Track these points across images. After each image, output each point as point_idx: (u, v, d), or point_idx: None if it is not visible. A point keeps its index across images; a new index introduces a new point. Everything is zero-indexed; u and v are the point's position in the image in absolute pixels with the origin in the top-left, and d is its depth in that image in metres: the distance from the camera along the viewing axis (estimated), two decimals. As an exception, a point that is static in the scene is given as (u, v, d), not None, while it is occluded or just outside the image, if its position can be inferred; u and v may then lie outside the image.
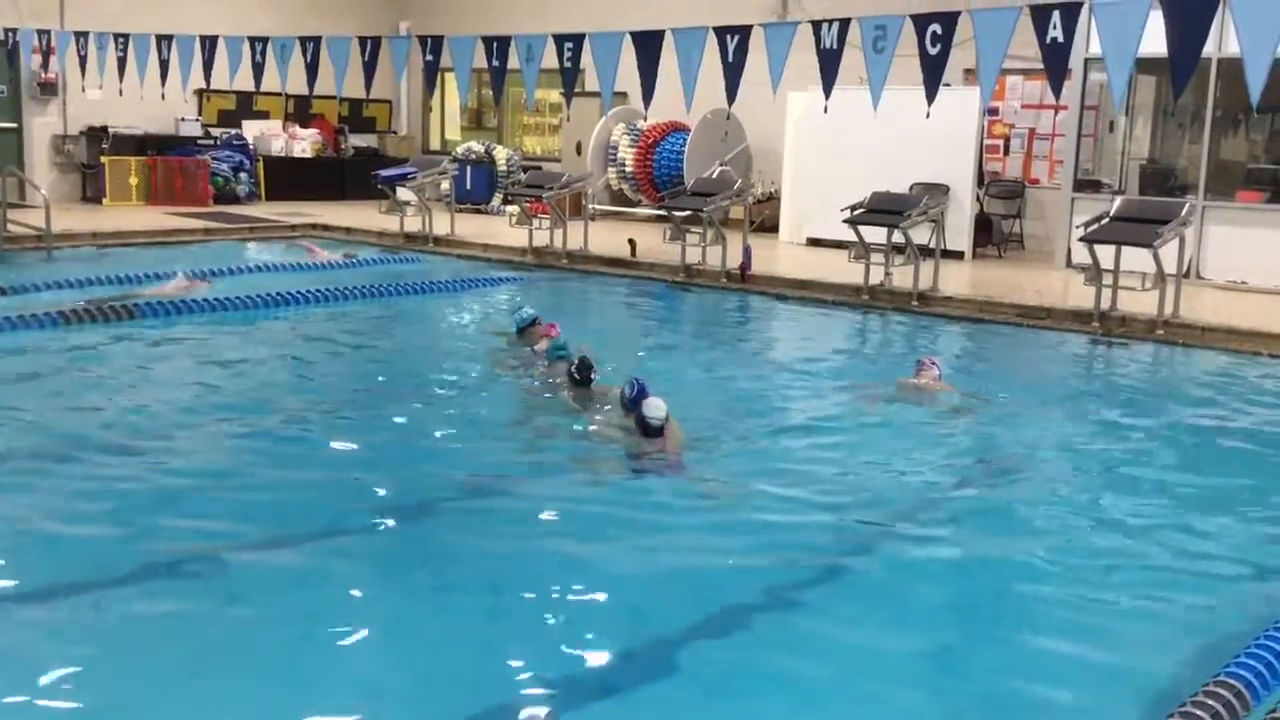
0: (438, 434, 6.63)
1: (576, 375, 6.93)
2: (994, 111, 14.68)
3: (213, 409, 6.91)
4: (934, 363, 7.75)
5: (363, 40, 12.34)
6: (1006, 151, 14.98)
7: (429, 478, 5.83)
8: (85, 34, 13.77)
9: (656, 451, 6.01)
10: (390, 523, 5.21)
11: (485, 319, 10.56)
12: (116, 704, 3.61)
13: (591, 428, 6.58)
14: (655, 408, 6.04)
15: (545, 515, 5.34)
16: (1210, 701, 3.49)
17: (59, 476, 5.64)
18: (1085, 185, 13.29)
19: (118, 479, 5.60)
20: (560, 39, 10.86)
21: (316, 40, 12.49)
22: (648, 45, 10.24)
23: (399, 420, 6.92)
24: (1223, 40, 10.57)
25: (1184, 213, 10.19)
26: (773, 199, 15.80)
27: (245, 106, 18.65)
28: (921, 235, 11.50)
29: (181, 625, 4.13)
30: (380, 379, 8.11)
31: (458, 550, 4.97)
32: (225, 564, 4.64)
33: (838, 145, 13.74)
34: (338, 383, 7.93)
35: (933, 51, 8.72)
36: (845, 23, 9.23)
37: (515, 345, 8.44)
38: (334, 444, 6.39)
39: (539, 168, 16.91)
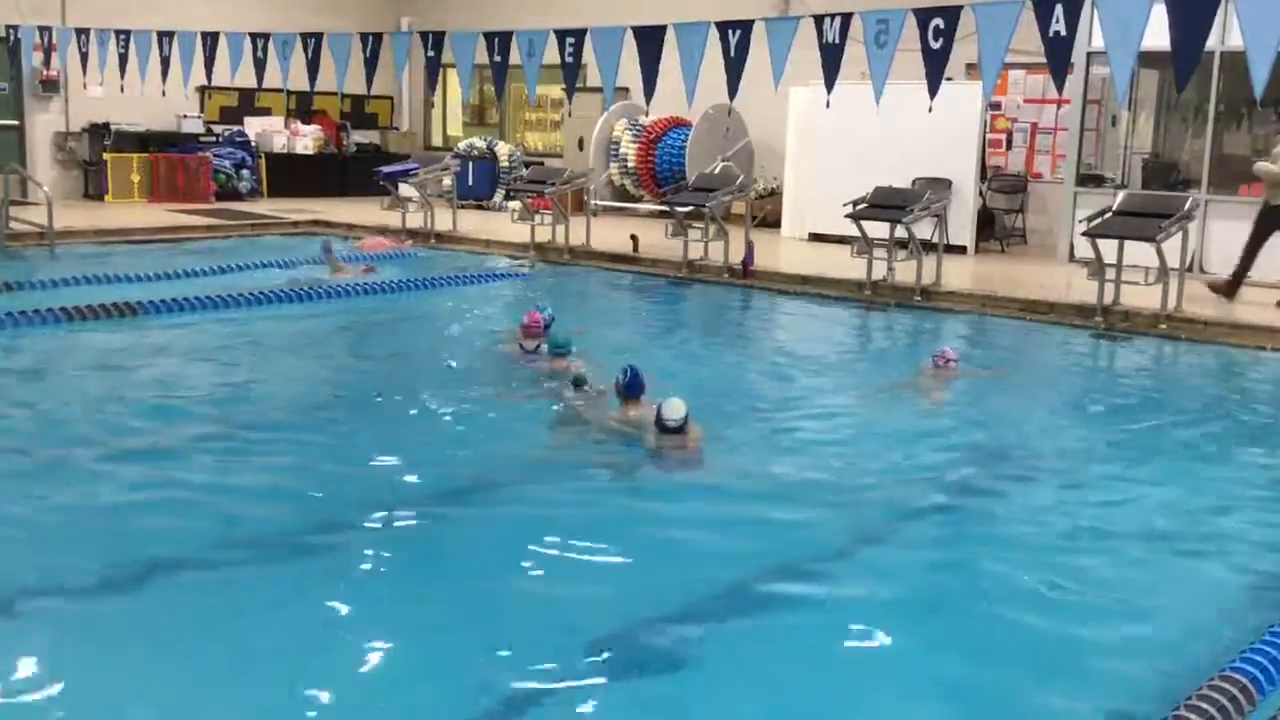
0: (440, 432, 6.63)
1: (573, 382, 6.96)
2: (996, 106, 14.65)
3: (213, 407, 6.91)
4: (953, 351, 7.82)
5: (364, 36, 12.32)
6: (1009, 146, 14.96)
7: (432, 474, 5.82)
8: (86, 31, 13.76)
9: (673, 446, 5.99)
10: (394, 520, 5.18)
11: (491, 315, 10.56)
12: (113, 704, 3.62)
13: (595, 425, 6.57)
14: (674, 408, 5.98)
15: (549, 511, 5.33)
16: (1215, 695, 3.49)
17: (58, 474, 5.64)
18: (1088, 180, 13.28)
19: (116, 477, 5.62)
20: (562, 34, 10.84)
21: (318, 37, 12.48)
22: (649, 40, 10.23)
23: (400, 418, 6.90)
24: (1226, 34, 10.54)
25: (1187, 207, 10.17)
26: (775, 194, 15.79)
27: (247, 103, 18.65)
28: (924, 230, 11.48)
29: (175, 624, 4.13)
30: (384, 376, 8.11)
31: (460, 547, 4.97)
32: (223, 563, 4.63)
33: (840, 140, 13.73)
34: (339, 379, 7.93)
35: (935, 46, 8.71)
36: (847, 17, 9.21)
37: (521, 337, 8.42)
38: (335, 441, 6.38)
39: (541, 163, 16.90)
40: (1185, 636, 4.26)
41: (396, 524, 5.14)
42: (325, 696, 3.66)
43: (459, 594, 4.48)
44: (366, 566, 4.69)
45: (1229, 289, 10.67)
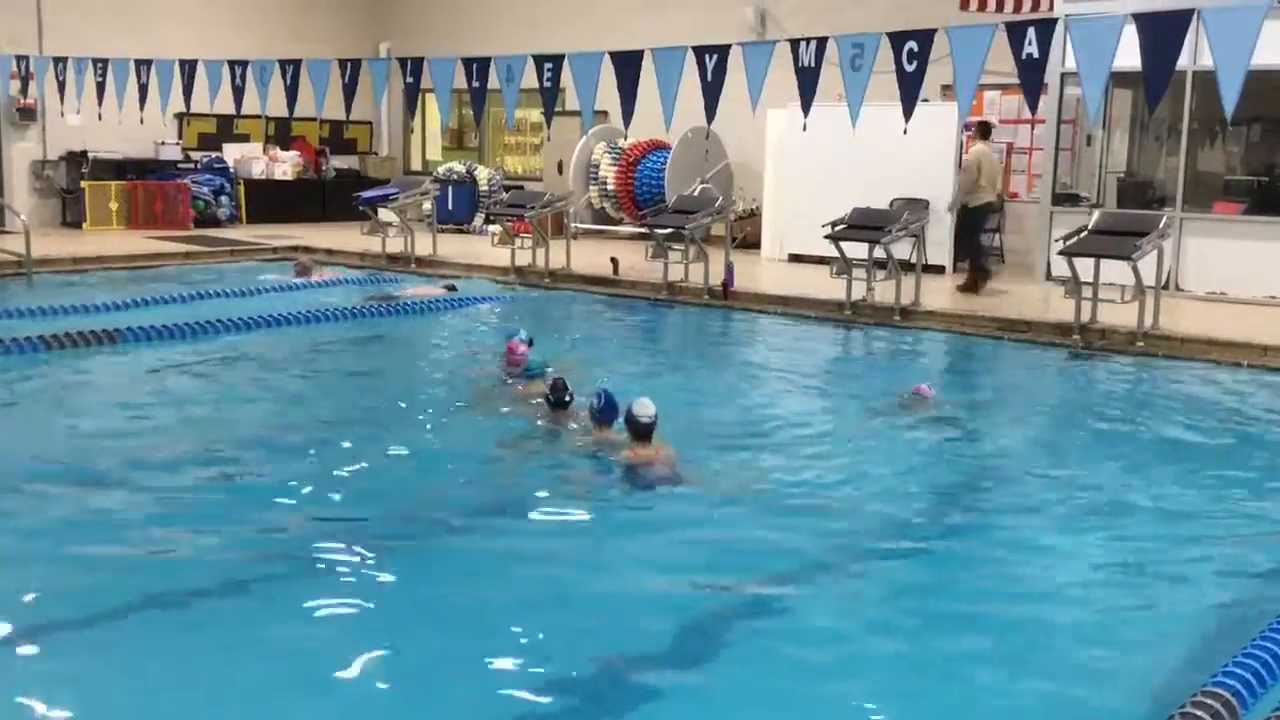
0: (417, 458, 6.58)
1: (551, 398, 6.91)
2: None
3: (194, 433, 6.88)
4: (928, 389, 7.79)
5: (343, 63, 12.34)
6: (985, 166, 15.04)
7: (411, 502, 5.80)
8: (64, 59, 13.74)
9: (643, 462, 5.98)
10: (373, 548, 5.15)
11: (471, 338, 10.55)
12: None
13: (568, 445, 6.56)
14: (644, 406, 6.01)
15: (523, 534, 5.32)
16: (1198, 712, 3.50)
17: (35, 503, 5.58)
18: (1064, 199, 13.37)
19: (95, 505, 5.56)
20: (540, 59, 10.90)
21: (296, 63, 12.49)
22: (627, 65, 10.29)
23: (378, 445, 6.85)
24: (1197, 53, 10.67)
25: (1162, 225, 10.26)
26: (754, 215, 15.86)
27: (225, 130, 18.63)
28: (902, 250, 11.55)
29: (164, 652, 4.10)
30: (363, 401, 8.08)
31: (440, 574, 4.94)
32: (199, 590, 4.59)
33: (818, 162, 13.80)
34: (317, 407, 7.89)
35: (909, 68, 8.79)
36: (822, 41, 9.29)
37: (503, 364, 8.42)
38: (313, 469, 6.32)
39: (520, 187, 16.94)
40: (1169, 653, 4.28)
41: (368, 551, 5.08)
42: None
43: (434, 618, 4.46)
44: (350, 592, 4.65)
45: (972, 285, 12.01)
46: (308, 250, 15.45)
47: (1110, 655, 4.24)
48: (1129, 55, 8.00)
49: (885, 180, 13.24)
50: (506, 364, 8.07)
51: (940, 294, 11.90)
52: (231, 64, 12.79)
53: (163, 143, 17.99)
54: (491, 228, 16.21)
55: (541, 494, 5.83)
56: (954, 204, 12.20)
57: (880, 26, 9.14)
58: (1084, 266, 10.03)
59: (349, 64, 12.31)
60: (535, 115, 17.72)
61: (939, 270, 13.33)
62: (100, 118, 13.56)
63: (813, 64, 9.32)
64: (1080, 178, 13.86)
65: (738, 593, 4.71)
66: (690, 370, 9.24)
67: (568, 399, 6.88)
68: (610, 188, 17.05)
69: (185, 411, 7.41)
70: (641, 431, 6.01)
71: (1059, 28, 8.39)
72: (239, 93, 12.82)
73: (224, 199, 17.93)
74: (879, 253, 11.15)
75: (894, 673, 4.07)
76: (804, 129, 9.95)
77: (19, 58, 14.29)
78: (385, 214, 15.03)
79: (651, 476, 5.94)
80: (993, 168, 12.36)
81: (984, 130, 12.28)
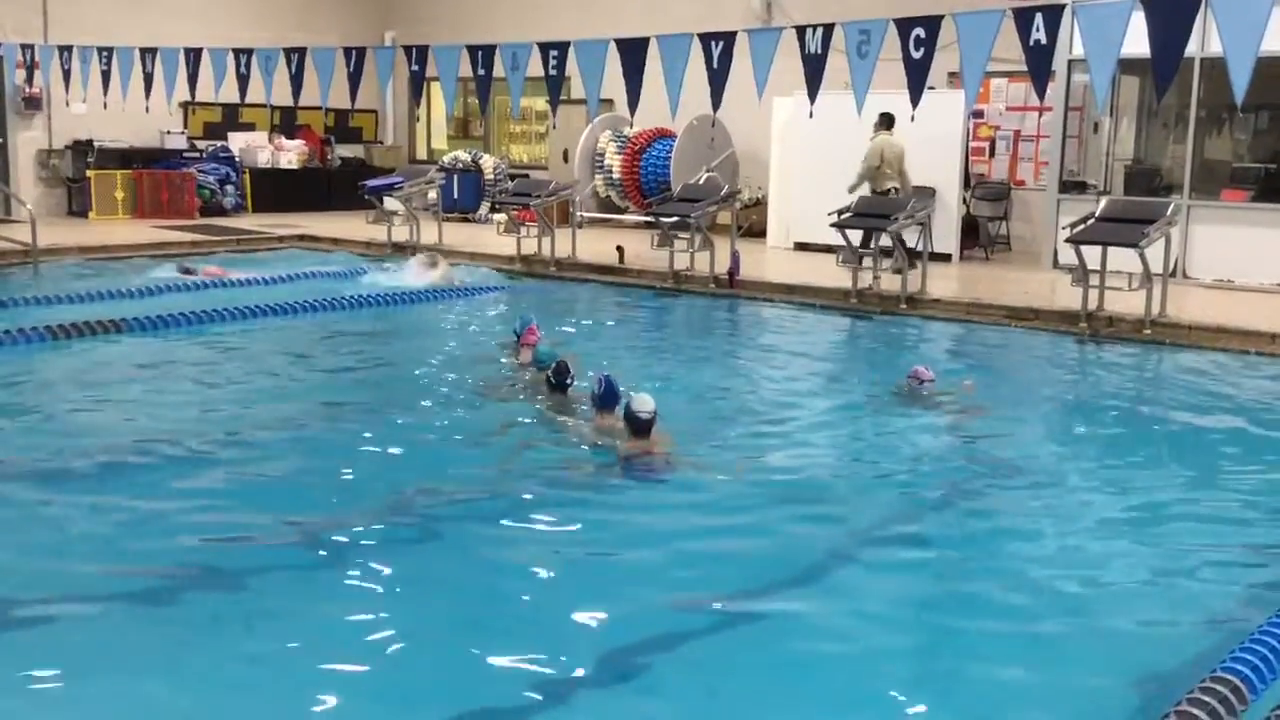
0: (425, 445, 6.58)
1: (553, 380, 6.92)
2: (979, 114, 14.72)
3: (196, 424, 6.88)
4: (927, 370, 7.77)
5: (347, 51, 12.33)
6: (992, 154, 15.03)
7: (412, 488, 5.78)
8: (69, 48, 13.74)
9: (642, 453, 5.98)
10: (374, 533, 5.15)
11: (482, 327, 10.55)
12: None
13: (570, 434, 6.55)
14: (644, 402, 6.02)
15: (525, 524, 5.29)
16: (1207, 698, 3.50)
17: (35, 492, 5.60)
18: (1071, 186, 13.34)
19: (99, 495, 5.57)
20: (545, 47, 10.87)
21: (301, 51, 12.48)
22: (632, 52, 10.26)
23: (385, 431, 6.86)
24: (1205, 39, 10.63)
25: (1169, 212, 10.23)
26: (760, 204, 15.83)
27: (231, 118, 18.61)
28: (909, 238, 11.52)
29: (164, 641, 4.10)
30: (373, 389, 8.09)
31: (440, 560, 4.93)
32: (208, 581, 4.60)
33: (824, 149, 13.75)
34: (326, 394, 7.90)
35: (916, 55, 8.76)
36: (829, 28, 9.26)
37: (515, 352, 8.42)
38: (318, 457, 6.33)
39: (526, 176, 16.91)
40: (1176, 639, 4.28)
41: (377, 536, 5.10)
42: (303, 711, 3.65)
43: (439, 604, 4.46)
44: (347, 579, 4.65)
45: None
46: (313, 239, 15.46)
47: (1113, 646, 4.22)
48: (1137, 42, 7.97)
49: (891, 168, 13.20)
50: (522, 343, 8.08)
51: (946, 282, 11.88)
52: (236, 52, 12.79)
53: (168, 132, 17.98)
54: (497, 216, 16.19)
55: (539, 485, 5.79)
56: (854, 189, 12.35)
57: (887, 13, 9.11)
58: (1091, 254, 10.00)
59: (354, 52, 12.30)
60: (540, 104, 17.68)
61: (945, 258, 13.30)
62: (105, 107, 13.57)
63: (819, 51, 9.29)
64: (1087, 165, 13.83)
65: (736, 589, 4.67)
66: (695, 359, 9.23)
67: (569, 381, 6.89)
68: (615, 176, 17.02)
69: (185, 401, 7.40)
70: (641, 428, 6.00)
71: (1067, 14, 8.36)
72: (244, 81, 12.82)
73: (229, 188, 17.93)
74: (885, 240, 11.13)
75: (897, 669, 4.06)
76: (810, 116, 9.92)
77: (24, 47, 14.31)
78: (390, 203, 15.03)
79: (650, 469, 5.94)
80: (896, 156, 12.58)
81: (887, 121, 12.45)
